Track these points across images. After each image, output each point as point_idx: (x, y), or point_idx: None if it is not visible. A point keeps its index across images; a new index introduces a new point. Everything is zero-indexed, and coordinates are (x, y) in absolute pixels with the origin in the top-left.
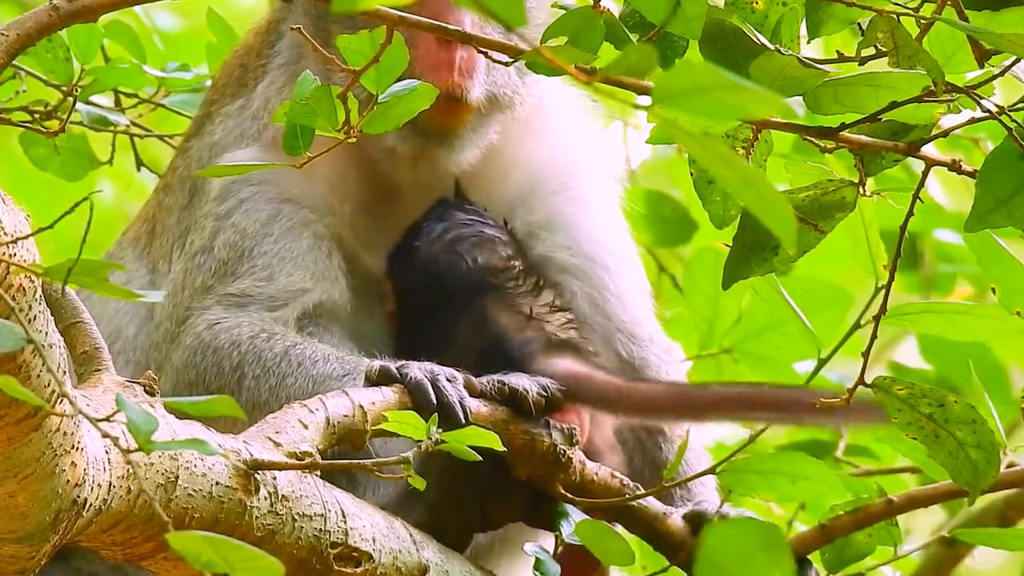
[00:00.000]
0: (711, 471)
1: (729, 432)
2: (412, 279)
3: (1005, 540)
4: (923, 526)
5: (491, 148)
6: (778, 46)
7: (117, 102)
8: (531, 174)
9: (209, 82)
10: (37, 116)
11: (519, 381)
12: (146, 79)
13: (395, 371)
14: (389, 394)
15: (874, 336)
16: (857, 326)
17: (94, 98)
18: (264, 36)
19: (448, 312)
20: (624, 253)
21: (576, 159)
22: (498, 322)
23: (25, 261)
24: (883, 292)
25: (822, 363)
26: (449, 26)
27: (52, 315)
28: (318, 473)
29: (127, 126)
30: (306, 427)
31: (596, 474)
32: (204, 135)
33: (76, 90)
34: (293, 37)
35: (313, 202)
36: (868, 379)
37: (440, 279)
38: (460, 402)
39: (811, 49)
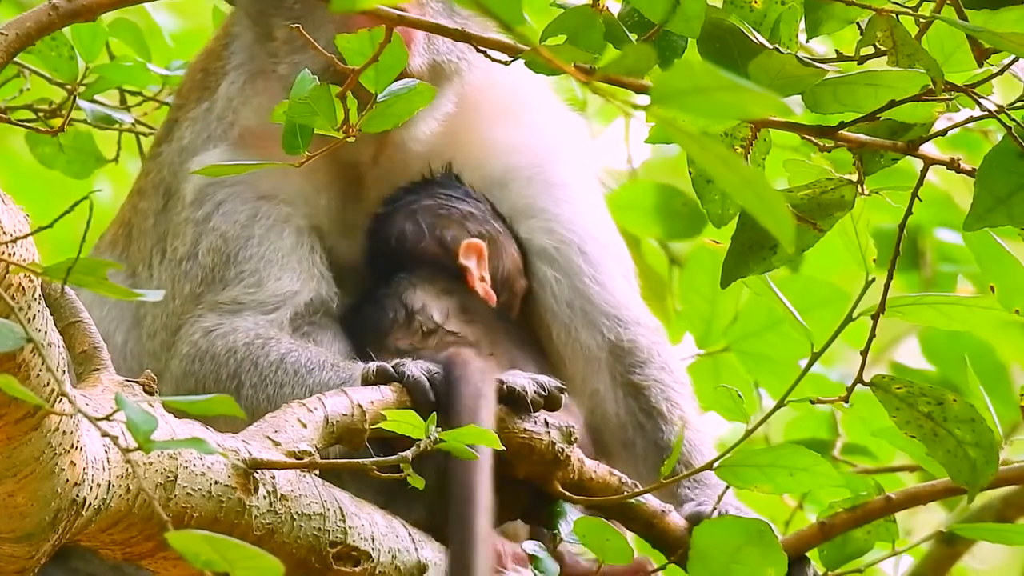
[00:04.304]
0: (708, 467)
1: (729, 428)
2: (371, 243)
3: (1004, 535)
4: (923, 526)
5: (464, 131)
6: (776, 45)
7: (122, 100)
8: (507, 159)
9: None
10: (41, 115)
11: (517, 379)
12: (150, 77)
13: (392, 370)
14: (387, 393)
15: (872, 334)
16: (849, 319)
17: (99, 96)
18: (222, 40)
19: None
20: (604, 236)
21: (552, 143)
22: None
23: (24, 260)
24: (874, 286)
25: (815, 357)
26: (449, 26)
27: (51, 314)
28: (317, 472)
29: (132, 124)
30: (305, 426)
31: (595, 472)
32: (173, 140)
33: (79, 88)
34: (243, 38)
35: (289, 196)
36: (868, 378)
37: (390, 243)
38: None
39: (818, 44)
